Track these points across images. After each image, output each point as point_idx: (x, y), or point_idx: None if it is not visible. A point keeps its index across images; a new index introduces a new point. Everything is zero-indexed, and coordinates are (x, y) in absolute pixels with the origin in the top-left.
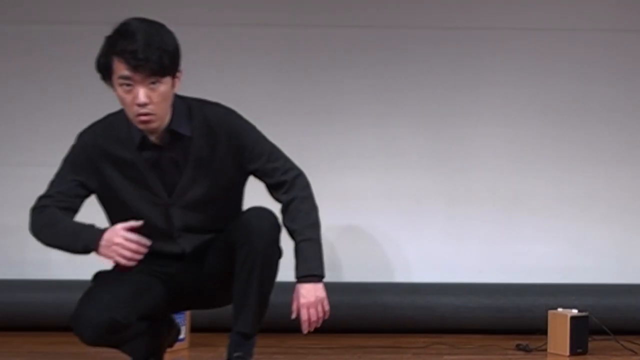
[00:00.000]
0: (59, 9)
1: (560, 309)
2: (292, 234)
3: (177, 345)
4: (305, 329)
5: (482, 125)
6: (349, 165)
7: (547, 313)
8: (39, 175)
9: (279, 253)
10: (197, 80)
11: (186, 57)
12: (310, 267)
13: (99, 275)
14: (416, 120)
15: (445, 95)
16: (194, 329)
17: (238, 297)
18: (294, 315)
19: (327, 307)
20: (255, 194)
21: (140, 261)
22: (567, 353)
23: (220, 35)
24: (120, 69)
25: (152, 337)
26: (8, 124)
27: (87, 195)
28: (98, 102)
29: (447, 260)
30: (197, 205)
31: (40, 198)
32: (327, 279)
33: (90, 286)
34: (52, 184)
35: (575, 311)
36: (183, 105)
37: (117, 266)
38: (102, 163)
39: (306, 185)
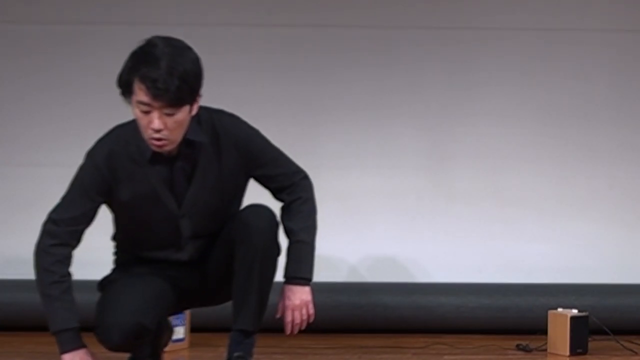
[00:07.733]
0: (59, 9)
1: (560, 309)
2: (288, 232)
3: (177, 345)
4: (288, 330)
5: (482, 125)
6: (349, 165)
7: (547, 313)
8: (39, 175)
9: (277, 250)
10: None
11: None
12: (301, 269)
13: (111, 282)
14: (416, 120)
15: (445, 95)
16: (194, 329)
17: (238, 295)
18: (278, 315)
19: (311, 311)
20: (257, 194)
21: (145, 265)
22: (567, 353)
23: (219, 36)
24: (140, 94)
25: (153, 337)
26: (8, 124)
27: (96, 214)
28: (98, 102)
29: (447, 260)
30: (205, 214)
31: (50, 221)
32: (327, 279)
33: (110, 292)
34: (63, 205)
35: (575, 311)
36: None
37: None
38: (114, 182)
39: (309, 187)
